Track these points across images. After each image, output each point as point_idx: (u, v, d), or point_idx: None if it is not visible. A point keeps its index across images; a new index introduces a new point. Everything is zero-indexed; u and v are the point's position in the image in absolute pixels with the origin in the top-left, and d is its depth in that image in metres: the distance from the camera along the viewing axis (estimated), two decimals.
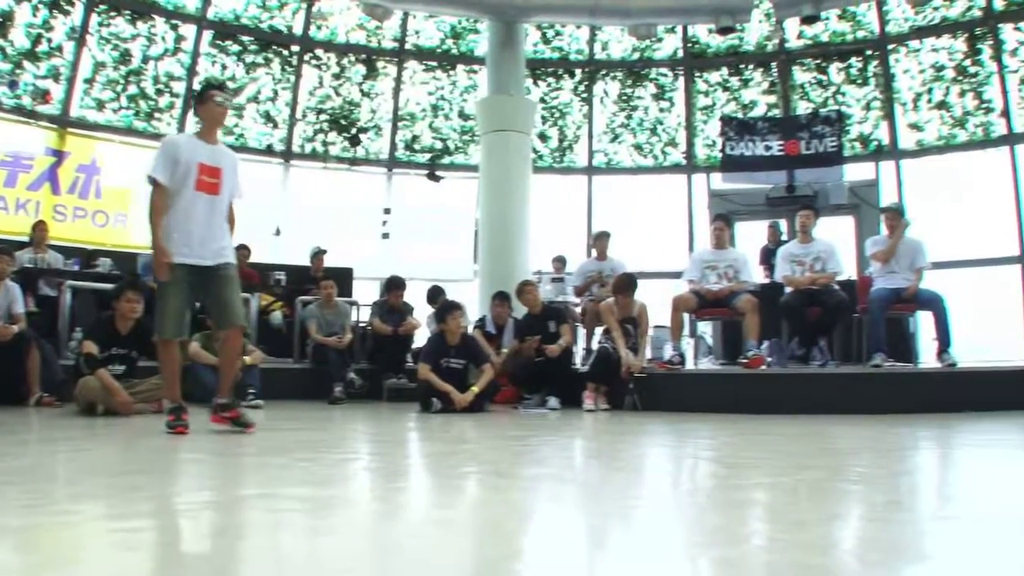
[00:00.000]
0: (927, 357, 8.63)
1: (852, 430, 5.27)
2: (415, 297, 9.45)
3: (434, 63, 14.03)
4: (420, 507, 2.75)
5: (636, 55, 14.22)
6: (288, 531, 2.24)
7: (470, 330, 8.13)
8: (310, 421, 6.15)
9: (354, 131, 13.67)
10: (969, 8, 12.59)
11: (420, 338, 9.03)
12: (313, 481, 3.10)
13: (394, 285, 8.95)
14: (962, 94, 12.62)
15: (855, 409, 6.38)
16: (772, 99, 13.84)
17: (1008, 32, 12.25)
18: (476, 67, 13.79)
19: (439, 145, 14.02)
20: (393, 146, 13.85)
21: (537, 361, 7.58)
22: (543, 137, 14.06)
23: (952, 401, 6.54)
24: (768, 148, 12.64)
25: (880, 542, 2.11)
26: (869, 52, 13.30)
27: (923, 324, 8.51)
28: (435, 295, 9.34)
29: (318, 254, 10.26)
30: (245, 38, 13.00)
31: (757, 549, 2.04)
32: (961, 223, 12.01)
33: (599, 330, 8.14)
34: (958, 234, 11.76)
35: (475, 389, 6.97)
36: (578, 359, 8.58)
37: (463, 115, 13.99)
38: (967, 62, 12.58)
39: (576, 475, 3.61)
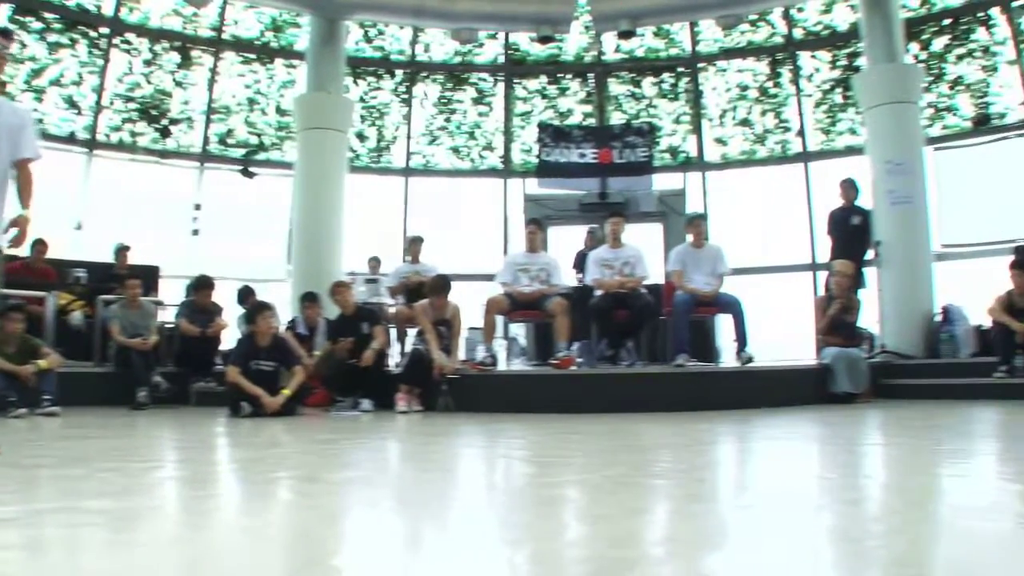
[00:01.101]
0: (727, 357, 9.13)
1: (657, 427, 5.49)
2: (224, 297, 9.16)
3: (252, 55, 13.57)
4: (227, 516, 2.65)
5: (457, 59, 14.29)
6: (87, 547, 2.09)
7: (281, 331, 7.93)
8: (112, 428, 5.83)
9: (165, 122, 13.02)
10: (772, 35, 13.47)
11: (229, 340, 8.74)
12: (114, 492, 2.92)
13: (202, 284, 8.66)
14: (763, 113, 13.48)
15: (661, 407, 6.67)
16: (588, 109, 14.26)
17: (805, 59, 13.19)
18: (295, 62, 13.41)
19: (254, 140, 13.56)
20: (206, 139, 13.25)
21: (351, 363, 7.48)
22: (361, 137, 13.88)
23: (750, 398, 6.98)
24: (582, 156, 13.05)
25: (682, 532, 2.20)
26: (681, 69, 13.95)
27: (723, 326, 9.03)
28: (245, 295, 9.08)
29: (122, 250, 9.73)
30: (49, 15, 12.01)
31: (566, 544, 2.08)
32: (759, 232, 12.83)
33: (412, 332, 8.14)
34: (756, 242, 12.55)
35: (286, 392, 6.83)
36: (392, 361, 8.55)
37: (280, 111, 13.59)
38: (769, 84, 13.45)
39: (388, 478, 3.58)
